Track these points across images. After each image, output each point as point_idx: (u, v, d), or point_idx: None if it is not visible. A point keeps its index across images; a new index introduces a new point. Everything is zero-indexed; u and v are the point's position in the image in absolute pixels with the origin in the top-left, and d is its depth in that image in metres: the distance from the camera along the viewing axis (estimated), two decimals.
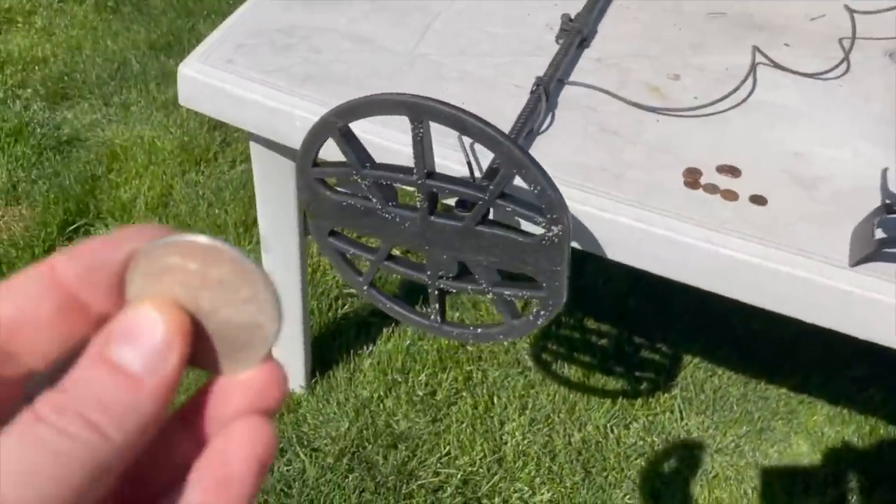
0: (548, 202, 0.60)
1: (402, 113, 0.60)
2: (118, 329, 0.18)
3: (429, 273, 0.70)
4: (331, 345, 1.39)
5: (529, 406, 1.32)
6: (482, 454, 1.25)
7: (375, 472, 1.23)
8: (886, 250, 0.68)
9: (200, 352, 0.18)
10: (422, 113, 0.59)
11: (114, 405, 0.17)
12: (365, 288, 0.75)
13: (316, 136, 0.65)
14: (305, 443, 1.26)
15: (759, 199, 0.76)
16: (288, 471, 1.22)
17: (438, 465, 1.24)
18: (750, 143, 0.82)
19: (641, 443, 1.29)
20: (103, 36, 2.15)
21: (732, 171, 0.78)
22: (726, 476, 1.25)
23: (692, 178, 0.78)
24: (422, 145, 0.61)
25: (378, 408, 1.31)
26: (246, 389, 0.19)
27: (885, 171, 0.78)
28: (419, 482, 1.22)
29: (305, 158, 0.67)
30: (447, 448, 1.26)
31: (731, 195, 0.76)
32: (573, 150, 0.80)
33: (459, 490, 1.22)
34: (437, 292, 0.71)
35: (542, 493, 1.22)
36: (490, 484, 1.22)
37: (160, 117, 1.88)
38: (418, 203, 0.65)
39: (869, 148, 0.82)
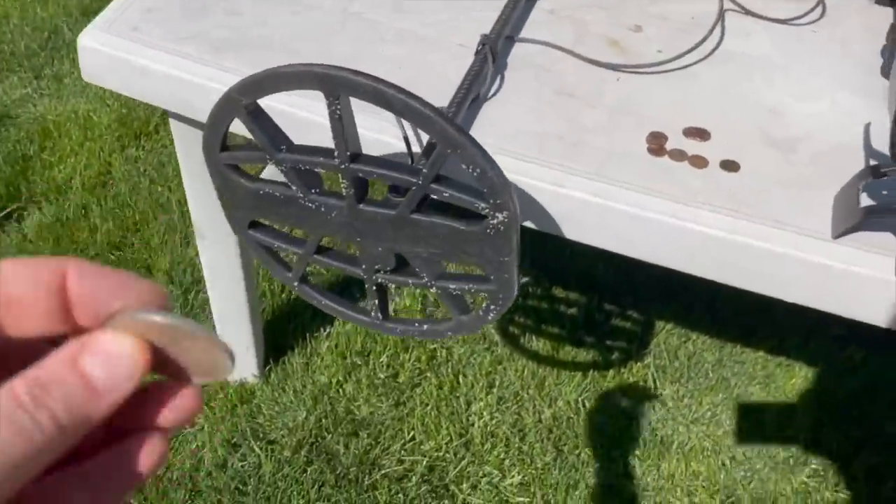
0: (489, 186, 0.52)
1: (314, 87, 0.51)
2: (95, 345, 0.21)
3: (364, 267, 0.62)
4: (285, 329, 1.31)
5: (497, 384, 1.25)
6: (448, 438, 1.19)
7: (336, 463, 1.16)
8: (873, 219, 0.61)
9: (171, 371, 0.22)
10: (336, 86, 0.50)
11: (76, 409, 0.20)
12: (296, 284, 0.67)
13: (219, 115, 0.55)
14: (261, 435, 1.18)
15: (730, 165, 0.68)
16: (243, 466, 1.15)
17: (402, 451, 1.18)
18: (719, 101, 0.74)
19: (614, 417, 1.24)
20: (32, 3, 2.00)
21: (701, 134, 0.71)
22: (703, 447, 1.20)
23: (657, 143, 0.70)
24: (341, 123, 0.52)
25: (337, 394, 1.23)
26: (168, 405, 0.22)
27: (867, 127, 0.71)
28: (383, 471, 1.15)
29: (211, 141, 0.58)
30: (411, 433, 1.19)
31: (699, 161, 0.68)
32: (525, 116, 0.72)
33: (425, 478, 1.15)
34: (374, 287, 0.63)
35: (513, 476, 1.16)
36: (458, 469, 1.16)
37: (96, 89, 1.76)
38: (343, 190, 0.56)
39: (849, 99, 0.74)
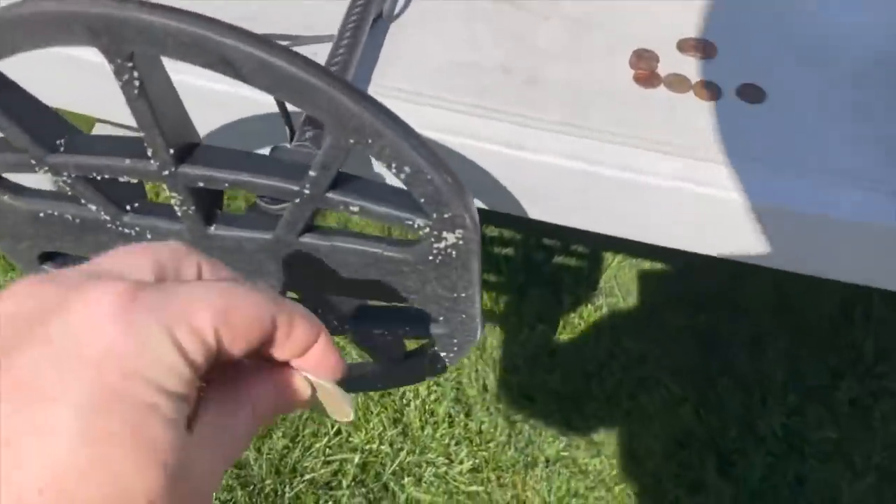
0: (430, 192, 0.30)
1: (83, 41, 0.27)
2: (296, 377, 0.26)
3: None
4: None
5: None
6: (381, 427, 1.00)
7: (248, 475, 0.95)
8: None
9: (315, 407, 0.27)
10: (122, 36, 0.26)
11: (271, 413, 0.25)
12: None
13: None
14: None
15: (752, 92, 0.48)
16: None
17: (327, 450, 0.98)
18: None
19: (569, 374, 1.07)
20: None
21: (705, 49, 0.50)
22: (672, 395, 1.06)
23: (646, 67, 0.48)
24: (147, 100, 0.29)
25: None
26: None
27: None
28: (306, 478, 0.96)
29: None
30: (335, 427, 0.99)
31: (709, 90, 0.48)
32: (453, 41, 0.49)
33: (358, 479, 0.96)
34: None
35: (461, 462, 0.99)
36: (396, 463, 0.98)
37: None
38: (177, 208, 0.33)
39: None
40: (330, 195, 0.31)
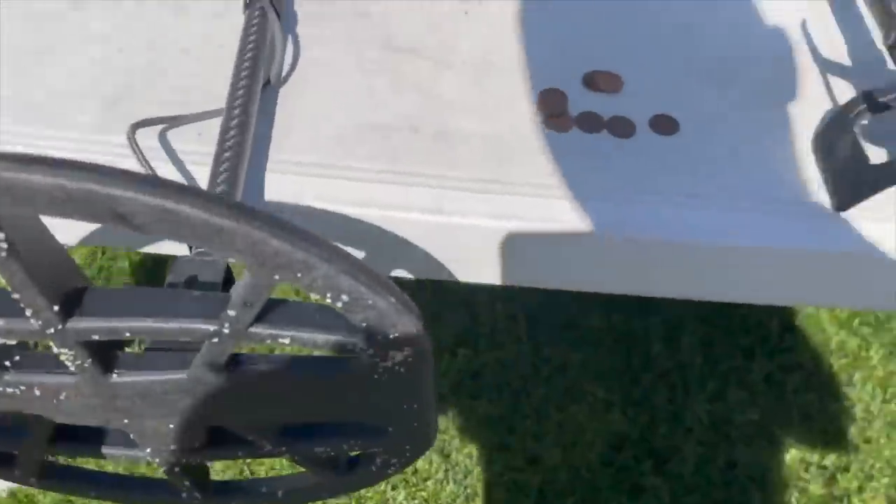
0: (374, 317, 0.26)
1: None
2: None
3: (149, 451, 0.34)
4: None
5: None
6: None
7: None
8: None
9: None
10: None
11: None
12: (33, 481, 0.38)
13: None
14: None
15: (665, 123, 0.46)
16: None
17: None
18: (623, 26, 0.51)
19: (495, 395, 1.05)
20: None
21: (612, 82, 0.48)
22: (599, 400, 1.06)
23: (555, 110, 0.46)
24: (18, 258, 0.24)
25: None
26: None
27: (805, 23, 0.52)
28: None
29: None
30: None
31: (622, 126, 0.46)
32: (349, 99, 0.45)
33: None
34: (178, 470, 0.36)
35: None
36: None
37: None
38: (69, 363, 0.28)
39: None
40: (254, 330, 0.27)
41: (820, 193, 0.43)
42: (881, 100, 0.42)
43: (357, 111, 0.45)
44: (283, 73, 0.46)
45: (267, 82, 0.44)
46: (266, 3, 0.44)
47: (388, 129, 0.44)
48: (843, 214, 0.42)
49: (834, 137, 0.43)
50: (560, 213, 0.42)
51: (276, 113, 0.44)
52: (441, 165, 0.43)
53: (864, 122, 0.43)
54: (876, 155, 0.43)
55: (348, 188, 0.42)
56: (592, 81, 0.48)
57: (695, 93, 0.48)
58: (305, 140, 0.43)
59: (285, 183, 0.41)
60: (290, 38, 0.48)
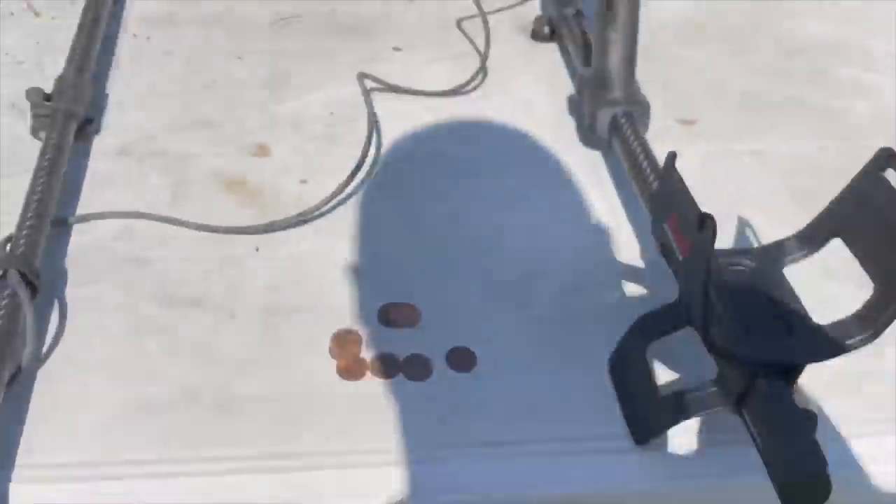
0: None
1: None
2: None
3: None
4: None
5: None
6: None
7: None
8: None
9: None
10: None
11: None
12: None
13: None
14: None
15: (461, 357, 0.44)
16: None
17: None
18: (432, 244, 0.50)
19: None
20: None
21: (408, 316, 0.46)
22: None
23: (349, 356, 0.44)
24: None
25: None
26: None
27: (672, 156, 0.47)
28: None
29: None
30: None
31: (418, 367, 0.44)
32: (121, 375, 0.41)
33: None
34: None
35: None
36: None
37: None
38: None
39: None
40: None
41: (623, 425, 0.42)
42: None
43: (127, 386, 0.41)
44: (42, 354, 0.41)
45: (18, 370, 0.39)
46: (15, 283, 0.40)
47: (162, 404, 0.40)
48: (646, 448, 0.41)
49: (626, 367, 0.42)
50: (352, 488, 0.39)
51: (30, 401, 0.40)
52: (220, 444, 0.39)
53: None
54: (668, 383, 0.43)
55: (113, 489, 0.37)
56: (388, 316, 0.46)
57: (492, 317, 0.46)
58: (64, 434, 0.38)
59: (34, 495, 0.36)
60: (53, 306, 0.44)
